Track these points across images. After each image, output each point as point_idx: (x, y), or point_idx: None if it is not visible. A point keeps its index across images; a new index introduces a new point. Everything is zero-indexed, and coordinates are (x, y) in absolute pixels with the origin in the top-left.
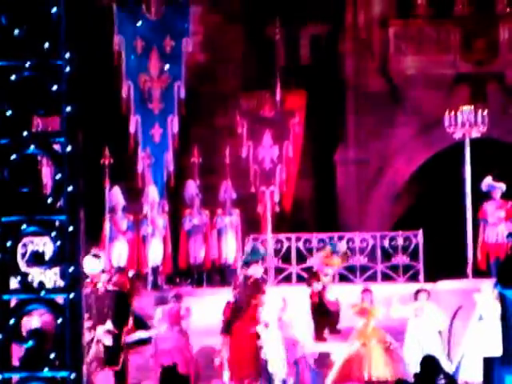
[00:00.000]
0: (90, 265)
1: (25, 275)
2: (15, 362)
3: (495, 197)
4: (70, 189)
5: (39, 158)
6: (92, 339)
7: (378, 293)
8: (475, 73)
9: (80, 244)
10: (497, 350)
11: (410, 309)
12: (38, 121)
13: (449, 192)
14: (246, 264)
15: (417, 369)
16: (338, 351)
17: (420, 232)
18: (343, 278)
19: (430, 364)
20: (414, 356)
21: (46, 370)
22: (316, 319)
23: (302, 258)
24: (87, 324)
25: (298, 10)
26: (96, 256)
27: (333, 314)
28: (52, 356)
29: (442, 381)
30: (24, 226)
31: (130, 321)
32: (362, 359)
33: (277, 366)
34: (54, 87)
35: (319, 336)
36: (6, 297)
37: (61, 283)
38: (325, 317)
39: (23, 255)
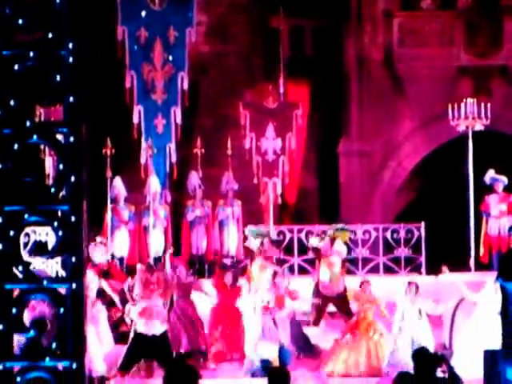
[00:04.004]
0: (94, 253)
1: (27, 265)
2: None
3: (498, 190)
4: (72, 179)
5: (42, 147)
6: None
7: (380, 285)
8: (479, 65)
9: (82, 234)
10: (496, 343)
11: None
12: (40, 111)
13: (451, 185)
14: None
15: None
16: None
17: (422, 225)
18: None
19: (424, 356)
20: (403, 346)
21: (48, 359)
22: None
23: (304, 250)
24: None
25: (302, 1)
26: (102, 243)
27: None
28: (53, 346)
29: (441, 373)
30: (26, 216)
31: None
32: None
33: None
34: (57, 77)
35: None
36: (8, 286)
37: (63, 273)
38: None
39: (25, 245)
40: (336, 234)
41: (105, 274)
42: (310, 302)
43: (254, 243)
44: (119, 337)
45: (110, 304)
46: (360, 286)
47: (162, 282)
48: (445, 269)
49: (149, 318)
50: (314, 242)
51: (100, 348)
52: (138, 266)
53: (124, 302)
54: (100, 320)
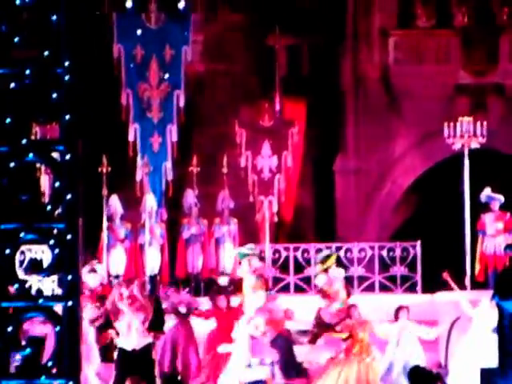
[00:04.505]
0: (88, 280)
1: (23, 283)
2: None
3: (494, 208)
4: (68, 197)
5: (38, 165)
6: None
7: (376, 303)
8: (475, 83)
9: (78, 252)
10: (491, 361)
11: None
12: (36, 129)
13: (447, 203)
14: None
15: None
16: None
17: (418, 243)
18: None
19: (420, 375)
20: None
21: (43, 377)
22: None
23: (299, 268)
24: None
25: (299, 20)
26: (93, 271)
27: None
28: (49, 364)
29: None
30: (22, 234)
31: None
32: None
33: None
34: (54, 95)
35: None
36: (4, 304)
37: (59, 291)
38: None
39: (21, 263)
40: (325, 264)
41: (101, 297)
42: (305, 322)
43: (241, 271)
44: (108, 360)
45: (101, 327)
46: (351, 311)
47: (136, 297)
48: (446, 275)
49: (126, 333)
50: (320, 281)
51: (91, 367)
52: (115, 281)
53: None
54: (89, 339)
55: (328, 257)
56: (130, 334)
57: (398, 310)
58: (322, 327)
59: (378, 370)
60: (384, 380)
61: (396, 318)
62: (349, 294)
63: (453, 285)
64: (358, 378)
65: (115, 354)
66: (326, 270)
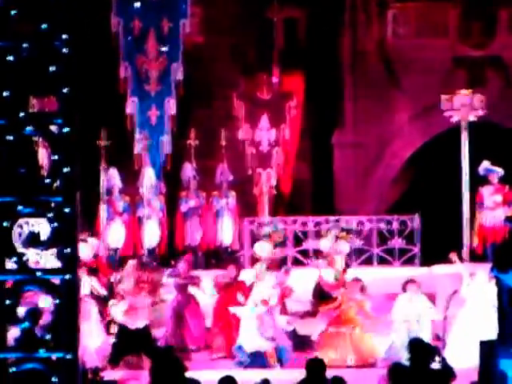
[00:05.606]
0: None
1: (21, 256)
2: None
3: (492, 181)
4: (66, 170)
5: (36, 138)
6: None
7: (374, 276)
8: (473, 56)
9: (76, 225)
10: (488, 334)
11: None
12: (34, 102)
13: (446, 176)
14: None
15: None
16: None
17: (416, 216)
18: None
19: (420, 347)
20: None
21: (42, 350)
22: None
23: (298, 241)
24: None
25: None
26: (83, 240)
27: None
28: (47, 337)
29: (437, 364)
30: (20, 207)
31: None
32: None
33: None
34: (52, 68)
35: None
36: (1, 277)
37: (57, 264)
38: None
39: (19, 236)
40: (341, 234)
41: (92, 270)
42: (303, 294)
43: (266, 251)
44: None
45: (102, 304)
46: (351, 283)
47: (152, 282)
48: (453, 256)
49: (133, 316)
50: (325, 244)
51: (91, 342)
52: (131, 262)
53: (111, 295)
54: (92, 315)
55: (347, 232)
56: (135, 317)
57: (407, 282)
58: (321, 297)
59: (370, 340)
60: (388, 353)
61: (404, 290)
62: (345, 269)
63: (459, 264)
64: (356, 352)
65: (115, 330)
66: (336, 239)
